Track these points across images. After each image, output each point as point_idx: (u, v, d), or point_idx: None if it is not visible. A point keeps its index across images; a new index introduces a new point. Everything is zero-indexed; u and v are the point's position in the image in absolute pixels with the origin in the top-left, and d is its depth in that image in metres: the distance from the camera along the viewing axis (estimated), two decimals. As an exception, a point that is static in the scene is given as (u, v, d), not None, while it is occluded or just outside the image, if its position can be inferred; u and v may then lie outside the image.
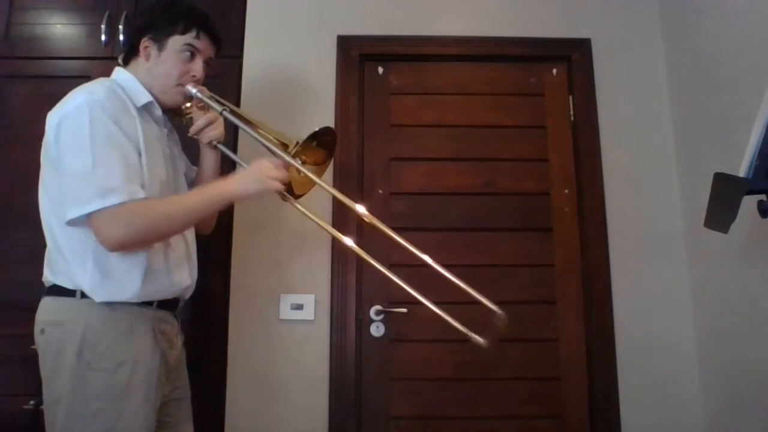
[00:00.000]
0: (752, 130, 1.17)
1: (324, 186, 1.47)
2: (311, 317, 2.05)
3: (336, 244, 2.10)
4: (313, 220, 1.46)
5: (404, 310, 2.09)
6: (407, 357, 2.08)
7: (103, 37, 2.13)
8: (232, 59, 2.16)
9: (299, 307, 2.05)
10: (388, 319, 2.09)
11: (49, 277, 1.34)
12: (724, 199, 1.22)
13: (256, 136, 1.46)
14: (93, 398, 1.24)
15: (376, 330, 2.09)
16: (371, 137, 2.23)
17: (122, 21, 2.13)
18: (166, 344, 1.39)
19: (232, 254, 2.06)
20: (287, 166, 1.41)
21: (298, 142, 1.44)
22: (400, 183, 2.20)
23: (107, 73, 2.08)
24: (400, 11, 2.29)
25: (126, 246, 1.29)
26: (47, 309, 1.33)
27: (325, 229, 1.50)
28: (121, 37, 2.12)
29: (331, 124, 2.18)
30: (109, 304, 1.29)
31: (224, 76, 2.09)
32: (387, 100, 2.27)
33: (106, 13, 2.14)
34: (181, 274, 1.43)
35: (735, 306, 1.83)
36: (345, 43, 2.25)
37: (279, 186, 1.38)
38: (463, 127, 2.25)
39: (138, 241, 1.30)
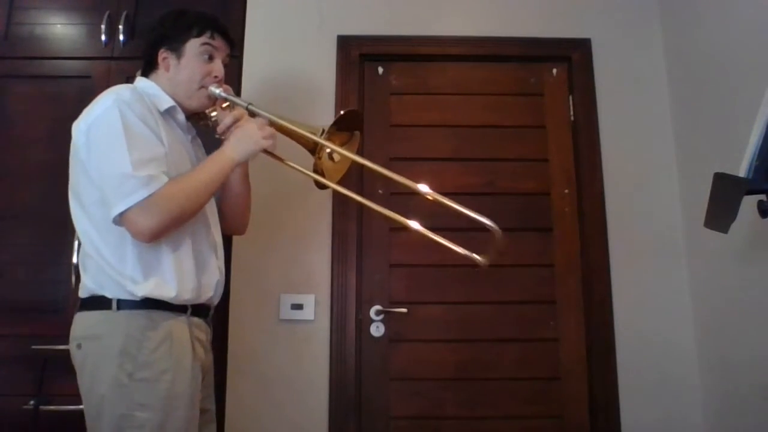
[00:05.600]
0: (752, 130, 1.17)
1: (368, 163, 1.47)
2: (311, 317, 2.05)
3: (336, 243, 2.11)
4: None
5: (404, 310, 2.09)
6: (407, 357, 2.08)
7: (103, 37, 2.13)
8: (231, 59, 2.12)
9: (299, 307, 2.05)
10: (388, 319, 2.09)
11: (88, 284, 1.32)
12: (724, 199, 1.22)
13: (287, 125, 1.47)
14: (138, 409, 1.23)
15: (376, 330, 2.09)
16: (371, 137, 2.22)
17: (122, 21, 2.13)
18: (202, 351, 1.40)
19: (232, 254, 2.06)
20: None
21: (324, 129, 1.46)
22: (400, 183, 2.19)
23: (107, 73, 2.13)
24: (400, 11, 2.29)
25: (163, 231, 1.29)
26: (83, 323, 1.32)
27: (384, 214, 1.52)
28: (121, 37, 2.12)
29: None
30: (147, 314, 1.29)
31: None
32: (387, 100, 2.27)
33: (106, 13, 2.14)
34: (210, 274, 1.44)
35: (735, 306, 1.83)
36: (345, 43, 2.25)
37: (269, 142, 1.42)
38: (463, 127, 2.25)
39: (172, 223, 1.31)
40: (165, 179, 1.28)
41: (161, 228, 1.28)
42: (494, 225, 1.31)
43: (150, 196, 1.24)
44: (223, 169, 1.39)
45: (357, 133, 1.56)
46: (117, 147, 1.26)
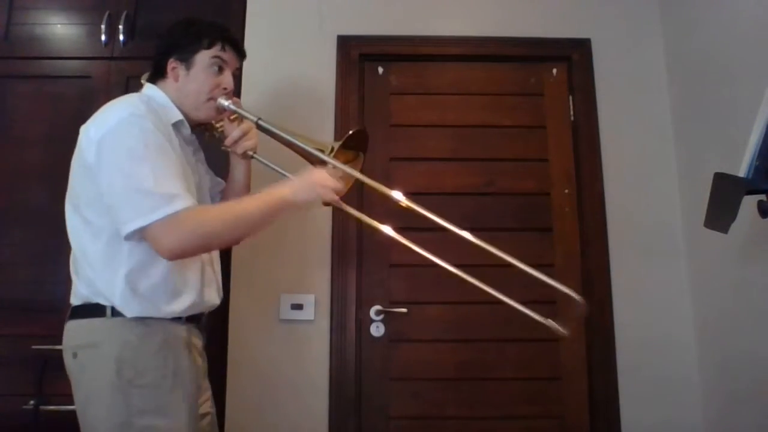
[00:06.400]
0: (752, 130, 1.18)
1: (371, 182, 1.44)
2: (311, 317, 2.05)
3: (336, 244, 2.10)
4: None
5: (404, 310, 2.09)
6: (407, 357, 2.08)
7: (103, 37, 2.12)
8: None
9: (299, 307, 2.05)
10: (388, 319, 2.09)
11: (82, 290, 1.31)
12: (724, 199, 1.22)
13: (296, 141, 1.45)
14: (137, 415, 1.22)
15: (376, 330, 2.09)
16: (371, 137, 2.18)
17: (122, 21, 2.13)
18: (197, 356, 1.39)
19: (232, 254, 2.06)
20: (341, 176, 1.40)
21: (333, 148, 1.43)
22: (400, 183, 2.19)
23: (107, 74, 2.13)
24: (399, 11, 2.29)
25: (187, 252, 1.28)
26: (77, 332, 1.31)
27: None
28: (121, 37, 2.12)
29: (332, 124, 2.18)
30: (143, 320, 1.27)
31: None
32: (387, 100, 2.27)
33: (106, 13, 2.14)
34: (209, 294, 1.42)
35: (735, 306, 1.83)
36: (345, 43, 2.25)
37: (333, 196, 1.35)
38: (463, 127, 2.25)
39: (199, 246, 1.30)
40: (190, 199, 1.25)
41: (184, 249, 1.26)
42: (577, 296, 1.35)
43: (176, 213, 1.21)
44: (276, 207, 1.33)
45: (361, 154, 1.53)
46: (134, 163, 1.23)
